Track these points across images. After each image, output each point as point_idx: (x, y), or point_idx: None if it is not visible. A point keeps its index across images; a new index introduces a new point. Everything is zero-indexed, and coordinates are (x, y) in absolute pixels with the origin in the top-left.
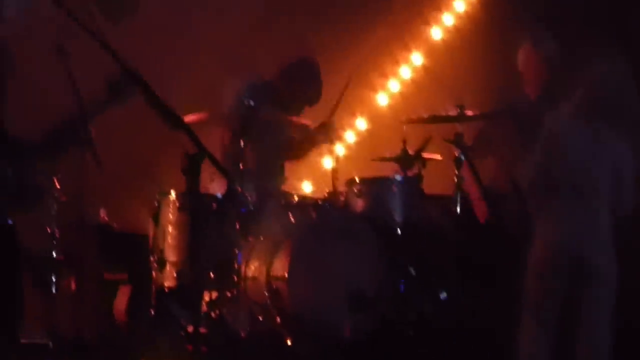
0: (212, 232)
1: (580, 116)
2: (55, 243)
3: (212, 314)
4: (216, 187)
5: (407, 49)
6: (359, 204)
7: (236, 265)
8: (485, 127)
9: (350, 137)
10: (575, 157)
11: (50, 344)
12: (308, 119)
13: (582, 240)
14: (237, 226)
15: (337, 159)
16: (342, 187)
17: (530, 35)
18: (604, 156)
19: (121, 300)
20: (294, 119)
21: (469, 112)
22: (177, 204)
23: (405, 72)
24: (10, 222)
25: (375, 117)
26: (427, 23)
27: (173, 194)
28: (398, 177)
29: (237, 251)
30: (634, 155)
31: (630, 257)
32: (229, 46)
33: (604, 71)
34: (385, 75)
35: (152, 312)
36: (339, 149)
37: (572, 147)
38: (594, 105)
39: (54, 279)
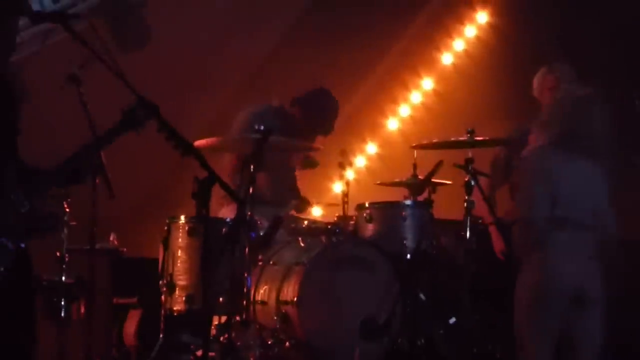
0: (222, 256)
1: (562, 148)
2: (65, 267)
3: (222, 338)
4: (226, 212)
5: (418, 74)
6: (369, 229)
7: (245, 290)
8: (500, 154)
9: (360, 161)
10: (573, 190)
11: None
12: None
13: (580, 269)
14: (247, 250)
15: (347, 184)
16: (352, 212)
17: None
18: (594, 186)
19: (131, 324)
20: (306, 143)
21: (479, 137)
22: (187, 228)
23: (416, 97)
24: (22, 245)
25: (385, 142)
26: (438, 49)
27: (183, 219)
28: (408, 202)
29: (246, 275)
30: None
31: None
32: (242, 73)
33: (583, 104)
34: (395, 101)
35: (162, 337)
36: (349, 174)
37: (567, 180)
38: (573, 138)
39: (63, 303)
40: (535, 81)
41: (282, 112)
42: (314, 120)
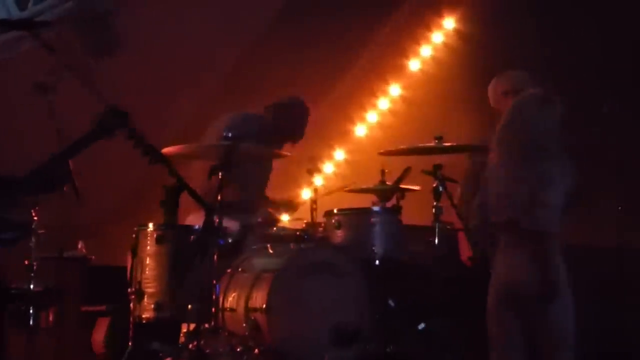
0: (190, 263)
1: (508, 155)
2: (33, 275)
3: (190, 346)
4: (194, 219)
5: (385, 81)
6: (337, 235)
7: (214, 297)
8: (470, 162)
9: (328, 168)
10: (509, 195)
11: None
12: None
13: (524, 269)
14: (216, 258)
15: (315, 190)
16: (320, 218)
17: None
18: (536, 188)
19: (99, 331)
20: (276, 151)
21: (448, 143)
22: (155, 236)
23: (384, 103)
24: None
25: (353, 149)
26: (405, 55)
27: (151, 226)
28: (376, 209)
29: (215, 282)
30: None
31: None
32: (213, 79)
33: (533, 114)
34: (363, 108)
35: (130, 344)
36: (317, 180)
37: (502, 186)
38: (523, 146)
39: (32, 312)
40: (489, 91)
41: (253, 118)
42: (284, 128)
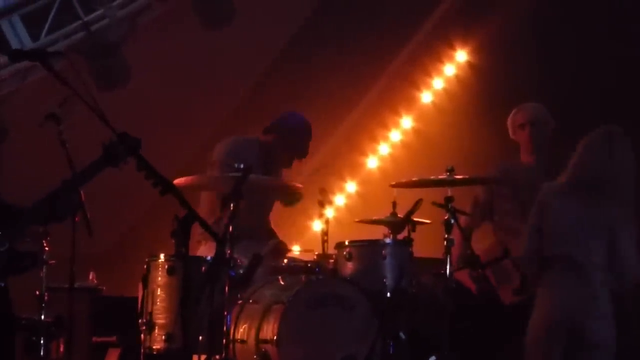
0: (201, 295)
1: (570, 188)
2: (44, 306)
3: None
4: (204, 250)
5: (397, 113)
6: (348, 267)
7: (225, 328)
8: (481, 194)
9: (339, 200)
10: (566, 228)
11: None
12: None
13: (576, 308)
14: (226, 289)
15: (326, 222)
16: (331, 250)
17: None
18: (597, 226)
19: None
20: (287, 182)
21: (459, 176)
22: (166, 267)
23: (395, 136)
24: (2, 284)
25: (365, 181)
26: (417, 87)
27: (162, 257)
28: (388, 241)
29: (226, 314)
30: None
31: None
32: (223, 110)
33: (588, 152)
34: (375, 139)
35: None
36: (329, 212)
37: (561, 218)
38: (582, 181)
39: (42, 342)
40: (508, 122)
41: (258, 142)
42: (288, 143)
